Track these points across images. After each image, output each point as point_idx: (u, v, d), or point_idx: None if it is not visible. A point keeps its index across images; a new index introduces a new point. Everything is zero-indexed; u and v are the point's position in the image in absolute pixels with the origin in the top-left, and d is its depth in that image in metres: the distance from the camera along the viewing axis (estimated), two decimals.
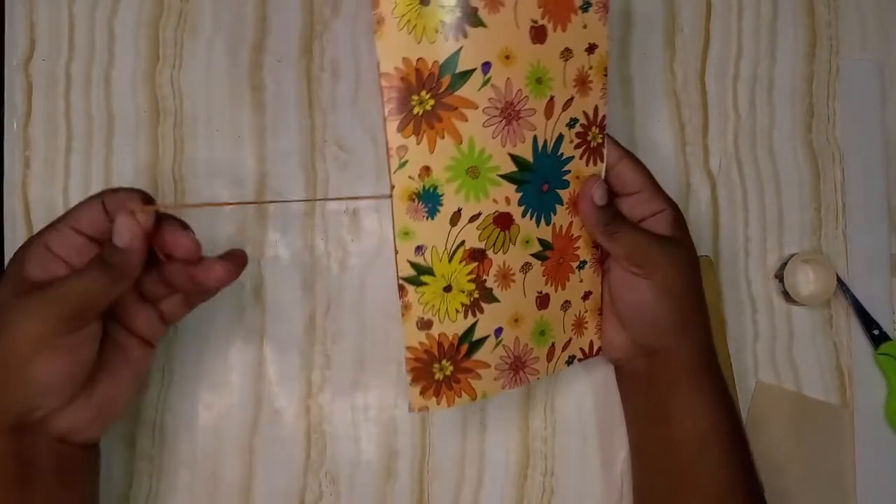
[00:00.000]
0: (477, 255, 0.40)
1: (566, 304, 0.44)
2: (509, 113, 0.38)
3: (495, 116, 0.38)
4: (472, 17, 0.36)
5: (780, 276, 0.51)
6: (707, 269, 0.51)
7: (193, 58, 0.50)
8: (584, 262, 0.44)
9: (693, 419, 0.43)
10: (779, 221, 0.52)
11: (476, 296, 0.41)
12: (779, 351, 0.51)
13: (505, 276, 0.41)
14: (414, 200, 0.38)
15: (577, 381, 0.50)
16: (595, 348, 0.46)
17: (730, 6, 0.53)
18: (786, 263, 0.51)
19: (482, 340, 0.41)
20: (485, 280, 0.41)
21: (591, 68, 0.40)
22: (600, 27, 0.40)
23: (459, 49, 0.36)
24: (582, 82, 0.40)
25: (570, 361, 0.45)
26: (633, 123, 0.52)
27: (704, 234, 0.52)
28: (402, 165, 0.37)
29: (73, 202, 0.49)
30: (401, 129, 0.37)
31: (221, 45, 0.50)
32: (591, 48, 0.40)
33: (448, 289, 0.40)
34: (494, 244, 0.40)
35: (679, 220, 0.44)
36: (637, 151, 0.51)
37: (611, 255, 0.44)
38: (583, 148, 0.42)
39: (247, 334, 0.49)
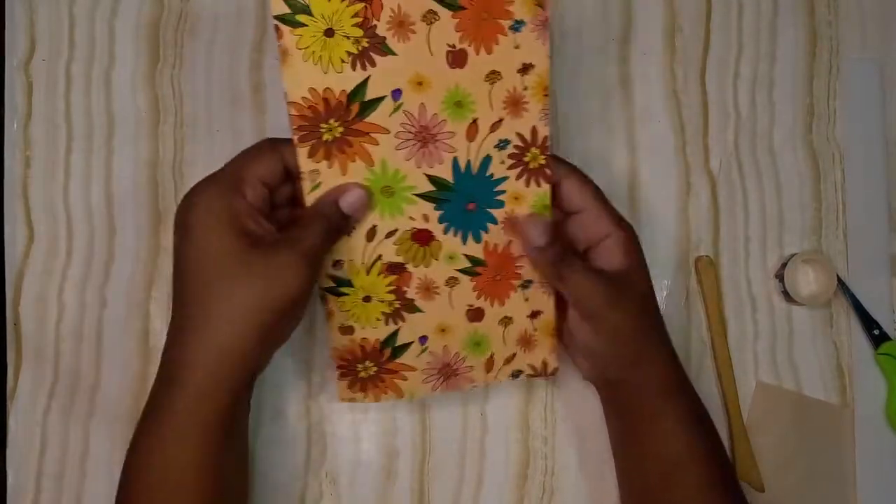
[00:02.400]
0: (395, 269, 0.42)
1: (507, 320, 0.45)
2: (424, 136, 0.39)
3: (409, 140, 0.39)
4: (379, 47, 0.37)
5: (780, 276, 0.51)
6: (707, 269, 0.51)
7: (193, 58, 0.50)
8: (528, 282, 0.44)
9: (663, 443, 0.42)
10: (779, 221, 0.52)
11: (397, 306, 0.43)
12: (779, 351, 0.51)
13: (427, 289, 0.43)
14: None
15: (578, 382, 0.50)
16: (550, 368, 0.47)
17: (730, 6, 0.53)
18: (786, 263, 0.51)
19: (406, 346, 0.44)
20: (405, 291, 0.43)
21: (525, 89, 0.39)
22: (538, 46, 0.38)
23: (367, 78, 0.37)
24: (514, 104, 0.40)
25: (515, 375, 0.46)
26: (633, 123, 0.52)
27: (704, 234, 0.52)
28: (315, 188, 0.39)
29: (74, 202, 0.49)
30: (311, 154, 0.39)
31: (221, 45, 0.50)
32: (524, 68, 0.39)
33: (367, 299, 0.43)
34: (414, 258, 0.42)
35: (628, 243, 0.42)
36: (637, 151, 0.52)
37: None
38: (519, 169, 0.41)
39: None
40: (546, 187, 0.42)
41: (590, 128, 0.51)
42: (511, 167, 0.41)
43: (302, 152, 0.38)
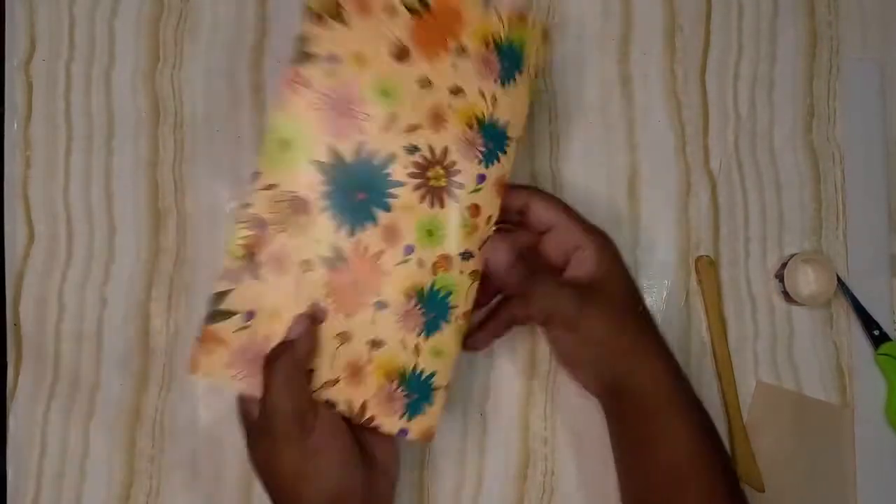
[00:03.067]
0: (258, 224, 0.39)
1: (344, 335, 0.40)
2: (341, 108, 0.39)
3: (327, 105, 0.39)
4: (335, 13, 0.39)
5: (780, 276, 0.51)
6: (707, 269, 0.51)
7: (193, 58, 0.50)
8: (384, 304, 0.40)
9: (665, 452, 0.42)
10: (779, 221, 0.52)
11: (240, 264, 0.39)
12: (779, 351, 0.51)
13: (279, 261, 0.40)
14: None
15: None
16: (367, 417, 0.41)
17: (730, 6, 0.53)
18: (786, 263, 0.51)
19: (226, 314, 0.39)
20: (254, 253, 0.39)
21: (450, 107, 0.40)
22: (473, 77, 0.40)
23: (310, 38, 0.39)
24: (435, 116, 0.40)
25: (329, 404, 0.40)
26: (633, 123, 0.52)
27: (704, 234, 0.52)
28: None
29: (74, 202, 0.49)
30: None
31: (221, 45, 0.50)
32: (456, 90, 0.40)
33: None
34: (281, 223, 0.39)
35: (601, 253, 0.43)
36: (637, 151, 0.52)
37: None
38: (419, 180, 0.41)
39: None
40: (440, 211, 0.41)
41: (590, 128, 0.51)
42: (412, 175, 0.41)
43: None
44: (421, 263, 0.41)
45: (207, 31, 0.50)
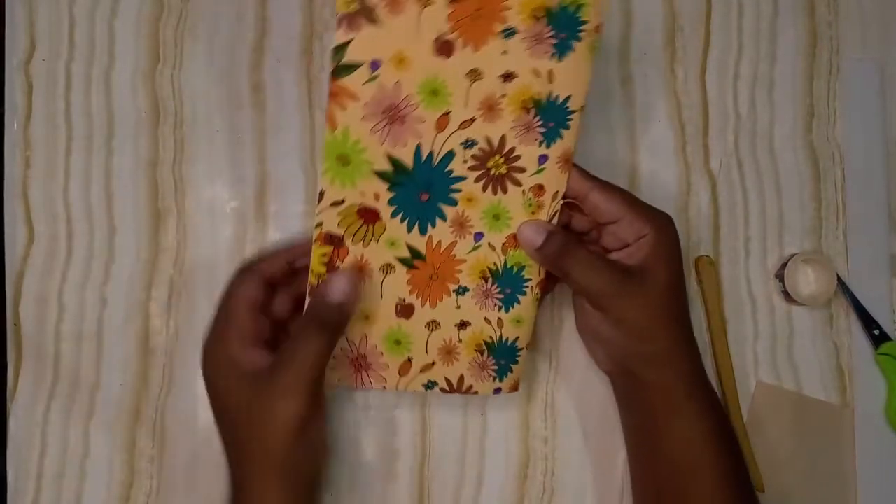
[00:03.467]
0: (333, 240, 0.41)
1: (433, 324, 0.44)
2: (393, 114, 0.39)
3: (377, 114, 0.39)
4: (369, 13, 0.37)
5: (780, 276, 0.51)
6: (707, 269, 0.51)
7: (193, 58, 0.50)
8: (464, 289, 0.43)
9: (678, 449, 0.42)
10: (779, 221, 0.52)
11: (325, 279, 0.41)
12: (779, 351, 0.51)
13: (361, 270, 0.42)
14: None
15: (578, 381, 0.50)
16: (465, 386, 0.45)
17: (730, 6, 0.53)
18: (786, 263, 0.51)
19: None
20: (338, 266, 0.41)
21: (503, 96, 0.39)
22: (525, 57, 0.38)
23: (349, 41, 0.37)
24: (489, 108, 0.40)
25: (429, 386, 0.45)
26: (633, 123, 0.52)
27: (704, 234, 0.52)
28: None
29: (74, 202, 0.49)
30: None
31: (221, 45, 0.50)
32: (507, 76, 0.39)
33: None
34: (354, 235, 0.41)
35: (658, 244, 0.42)
36: (637, 151, 0.52)
37: None
38: (479, 172, 0.41)
39: None
40: (501, 196, 0.41)
41: (590, 127, 0.51)
42: (472, 168, 0.41)
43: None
44: (492, 247, 0.43)
45: (207, 31, 0.50)
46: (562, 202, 0.42)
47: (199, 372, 0.47)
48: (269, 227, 0.50)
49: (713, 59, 0.53)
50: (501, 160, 0.41)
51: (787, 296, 0.51)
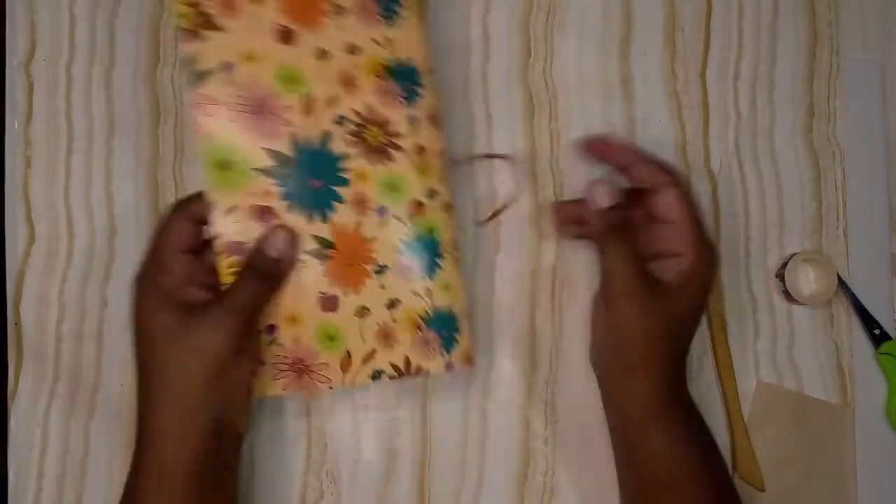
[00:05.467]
0: (237, 248, 0.41)
1: (363, 310, 0.42)
2: (259, 109, 0.40)
3: (243, 112, 0.40)
4: (208, 21, 0.39)
5: (780, 276, 0.51)
6: None
7: None
8: (383, 267, 0.43)
9: (651, 462, 0.42)
10: (779, 221, 0.52)
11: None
12: (779, 350, 0.51)
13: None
14: None
15: (578, 381, 0.50)
16: (414, 368, 0.43)
17: (730, 6, 0.53)
18: (786, 263, 0.51)
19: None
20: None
21: (354, 67, 0.42)
22: (360, 29, 0.41)
23: (198, 51, 0.39)
24: (346, 82, 0.41)
25: (375, 376, 0.43)
26: (633, 123, 0.52)
27: None
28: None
29: (74, 202, 0.49)
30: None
31: None
32: (352, 49, 0.42)
33: None
34: (253, 239, 0.41)
35: (692, 272, 0.42)
36: None
37: None
38: (361, 147, 0.42)
39: None
40: (391, 166, 0.42)
41: (590, 127, 0.51)
42: (352, 144, 0.42)
43: None
44: (398, 218, 0.43)
45: None
46: (449, 158, 0.44)
47: None
48: None
49: (713, 59, 0.53)
50: (377, 129, 0.42)
51: (788, 295, 0.51)
